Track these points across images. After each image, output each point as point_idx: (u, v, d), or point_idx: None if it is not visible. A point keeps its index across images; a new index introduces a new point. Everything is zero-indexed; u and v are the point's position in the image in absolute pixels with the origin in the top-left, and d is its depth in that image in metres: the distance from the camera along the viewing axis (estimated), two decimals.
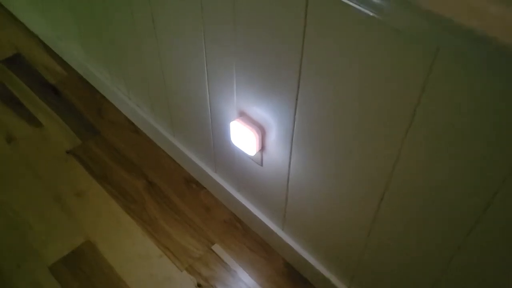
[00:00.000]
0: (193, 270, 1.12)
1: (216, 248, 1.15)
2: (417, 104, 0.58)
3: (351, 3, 0.56)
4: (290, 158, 0.87)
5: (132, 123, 1.45)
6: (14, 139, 1.40)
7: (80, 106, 1.51)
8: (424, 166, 0.62)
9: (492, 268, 0.63)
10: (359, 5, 0.55)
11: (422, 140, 0.60)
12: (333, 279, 0.99)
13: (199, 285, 1.09)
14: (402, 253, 0.76)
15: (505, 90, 0.48)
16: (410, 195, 0.67)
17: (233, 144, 1.01)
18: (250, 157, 0.98)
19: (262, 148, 0.92)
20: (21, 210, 1.23)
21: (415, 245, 0.73)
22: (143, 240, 1.17)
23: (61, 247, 1.15)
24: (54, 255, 1.14)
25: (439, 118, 0.56)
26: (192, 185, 1.29)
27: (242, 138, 0.91)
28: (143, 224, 1.20)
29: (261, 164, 0.96)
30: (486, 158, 0.54)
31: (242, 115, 0.92)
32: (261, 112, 0.86)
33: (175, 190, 1.28)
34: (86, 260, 1.13)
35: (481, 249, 0.63)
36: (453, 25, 0.46)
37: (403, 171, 0.66)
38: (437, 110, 0.56)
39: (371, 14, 0.55)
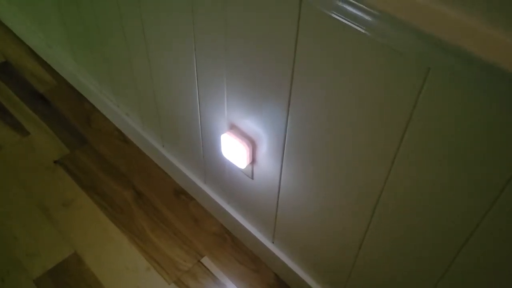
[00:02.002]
0: (181, 283, 1.10)
1: (205, 260, 1.14)
2: (409, 120, 0.58)
3: (342, 20, 0.56)
4: (281, 171, 0.87)
5: (121, 133, 1.44)
6: (0, 148, 1.38)
7: (68, 115, 1.49)
8: (416, 180, 0.62)
9: (485, 278, 0.63)
10: (350, 22, 0.55)
11: (414, 154, 0.60)
12: None
13: None
14: (394, 266, 0.76)
15: (495, 109, 0.48)
16: (402, 209, 0.67)
17: (224, 156, 1.01)
18: (240, 170, 0.98)
19: (253, 161, 0.91)
20: (6, 220, 1.20)
21: (407, 258, 0.73)
22: (130, 252, 1.15)
23: (47, 259, 1.13)
24: (39, 267, 1.11)
25: (431, 135, 0.56)
26: (181, 196, 1.28)
27: (233, 151, 0.90)
28: (130, 235, 1.18)
29: (252, 177, 0.95)
30: (477, 176, 0.54)
31: (233, 128, 0.91)
32: (252, 125, 0.85)
33: (164, 201, 1.26)
34: (72, 273, 1.11)
35: (475, 261, 0.63)
36: (443, 45, 0.47)
37: (395, 185, 0.66)
38: (428, 126, 0.56)
39: (363, 31, 0.55)
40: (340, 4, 0.54)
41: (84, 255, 1.14)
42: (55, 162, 1.35)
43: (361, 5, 0.52)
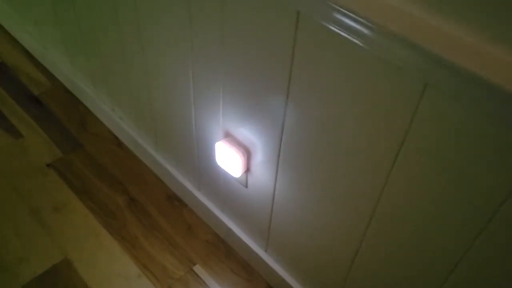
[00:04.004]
0: None
1: (197, 268, 1.13)
2: (406, 134, 0.57)
3: (340, 32, 0.56)
4: (275, 180, 0.86)
5: (116, 137, 1.43)
6: None
7: (63, 118, 1.48)
8: (411, 194, 0.62)
9: None
10: (348, 35, 0.55)
11: (410, 169, 0.60)
12: None
13: None
14: (389, 277, 0.76)
15: (492, 126, 0.48)
16: (397, 221, 0.67)
17: (218, 164, 1.00)
18: (235, 178, 0.97)
19: (248, 170, 0.90)
20: None
21: (402, 269, 0.72)
22: (122, 258, 1.14)
23: (37, 265, 1.11)
24: (29, 273, 1.10)
25: (427, 149, 0.56)
26: (174, 202, 1.27)
27: (227, 159, 0.90)
28: (122, 241, 1.17)
29: (246, 186, 0.95)
30: (474, 192, 0.54)
31: (228, 136, 0.91)
32: (247, 133, 0.85)
33: (157, 207, 1.25)
34: (62, 279, 1.09)
35: (472, 270, 0.62)
36: (442, 61, 0.46)
37: (390, 198, 0.65)
38: (425, 141, 0.56)
39: (360, 44, 0.55)
40: (338, 16, 0.54)
41: (75, 261, 1.13)
42: (48, 165, 1.34)
43: (360, 19, 0.52)
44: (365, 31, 0.52)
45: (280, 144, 0.79)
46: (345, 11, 0.53)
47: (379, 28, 0.51)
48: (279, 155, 0.81)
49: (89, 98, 1.46)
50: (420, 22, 0.49)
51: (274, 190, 0.88)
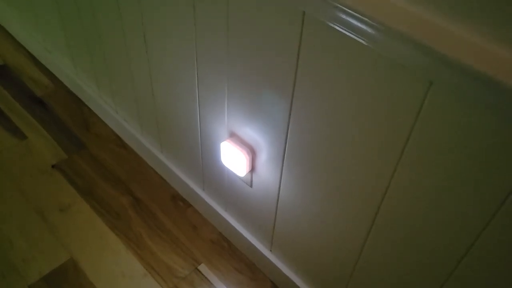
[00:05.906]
0: None
1: (202, 268, 1.14)
2: (410, 132, 0.58)
3: (345, 32, 0.57)
4: (280, 180, 0.87)
5: (120, 138, 1.44)
6: None
7: (66, 120, 1.49)
8: (416, 191, 0.63)
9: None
10: (353, 34, 0.56)
11: (415, 165, 0.61)
12: None
13: None
14: (393, 277, 0.76)
15: (496, 124, 0.49)
16: (402, 219, 0.67)
17: (223, 164, 1.01)
18: (239, 178, 0.98)
19: (252, 169, 0.91)
20: (2, 224, 1.19)
21: (406, 270, 0.73)
22: (127, 258, 1.15)
23: (43, 265, 1.12)
24: (35, 273, 1.11)
25: (432, 147, 0.57)
26: (179, 202, 1.27)
27: (232, 158, 0.91)
28: (127, 241, 1.18)
29: (251, 185, 0.95)
30: (478, 189, 0.55)
31: (233, 135, 0.91)
32: (253, 133, 0.86)
33: (161, 207, 1.26)
34: (68, 279, 1.10)
35: (474, 271, 0.63)
36: (446, 60, 0.47)
37: (395, 195, 0.66)
38: (429, 139, 0.56)
39: (365, 43, 0.55)
40: (343, 16, 0.55)
41: (80, 261, 1.13)
42: (52, 166, 1.35)
43: (364, 18, 0.53)
44: (370, 30, 0.53)
45: (285, 144, 0.79)
46: (350, 11, 0.53)
47: (384, 28, 0.51)
48: (284, 155, 0.81)
49: (93, 99, 1.46)
50: (425, 21, 0.50)
51: (279, 190, 0.89)
